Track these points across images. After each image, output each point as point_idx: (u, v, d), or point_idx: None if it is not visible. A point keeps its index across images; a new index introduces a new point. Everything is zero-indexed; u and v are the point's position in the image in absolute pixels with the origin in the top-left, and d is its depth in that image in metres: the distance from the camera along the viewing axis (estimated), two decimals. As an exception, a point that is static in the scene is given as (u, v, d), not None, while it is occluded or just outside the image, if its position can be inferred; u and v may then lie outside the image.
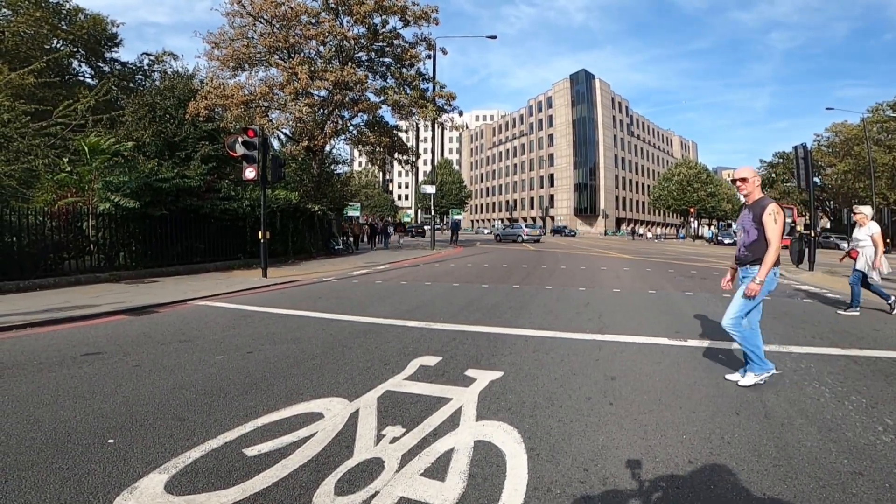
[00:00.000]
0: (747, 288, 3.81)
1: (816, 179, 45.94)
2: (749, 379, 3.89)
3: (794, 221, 38.25)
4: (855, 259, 7.88)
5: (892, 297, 7.64)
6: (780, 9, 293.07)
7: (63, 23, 24.37)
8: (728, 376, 4.07)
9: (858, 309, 7.68)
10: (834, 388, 3.83)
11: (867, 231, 7.74)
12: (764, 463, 2.60)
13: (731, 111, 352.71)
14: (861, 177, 42.22)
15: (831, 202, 53.26)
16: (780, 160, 58.61)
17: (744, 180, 4.00)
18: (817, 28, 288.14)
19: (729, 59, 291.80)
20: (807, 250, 15.21)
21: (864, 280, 7.72)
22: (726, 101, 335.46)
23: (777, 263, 3.86)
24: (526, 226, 42.78)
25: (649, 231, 76.54)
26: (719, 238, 43.89)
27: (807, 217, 27.73)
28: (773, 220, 3.78)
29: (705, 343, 5.39)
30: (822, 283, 11.39)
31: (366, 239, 26.36)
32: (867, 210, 7.97)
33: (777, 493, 2.30)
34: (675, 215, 75.64)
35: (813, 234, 15.18)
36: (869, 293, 7.79)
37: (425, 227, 39.24)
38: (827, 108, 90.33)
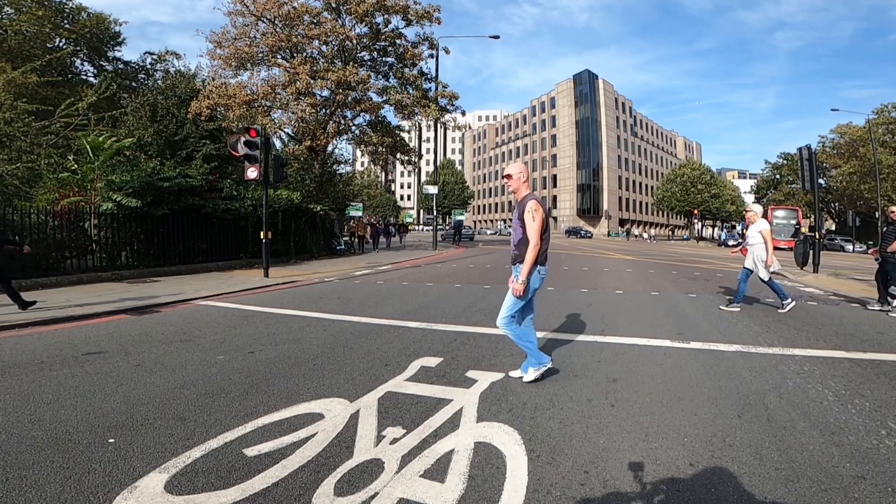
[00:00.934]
0: (513, 289, 3.77)
1: (821, 181, 45.88)
2: (531, 374, 3.91)
3: (798, 223, 38.17)
4: (745, 256, 8.12)
5: (790, 299, 7.77)
6: (785, 8, 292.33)
7: (66, 21, 24.45)
8: (512, 373, 4.06)
9: (740, 305, 7.99)
10: (837, 392, 3.81)
11: (757, 228, 7.92)
12: (766, 466, 2.58)
13: (735, 112, 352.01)
14: (866, 178, 42.06)
15: (836, 204, 53.09)
16: (785, 161, 58.44)
17: (508, 177, 3.92)
18: (823, 28, 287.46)
19: (734, 60, 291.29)
20: (811, 252, 15.15)
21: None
22: (731, 102, 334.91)
23: (543, 262, 3.82)
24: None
25: (644, 232, 76.32)
26: (723, 239, 43.74)
27: (811, 219, 27.64)
28: (532, 218, 3.66)
29: (708, 345, 5.37)
30: (827, 286, 11.34)
31: (368, 239, 25.82)
32: (757, 208, 8.21)
33: (779, 497, 2.28)
34: (678, 217, 75.46)
35: (817, 236, 15.10)
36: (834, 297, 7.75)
37: (412, 228, 38.29)
38: (832, 109, 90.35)
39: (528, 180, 3.96)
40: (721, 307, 8.06)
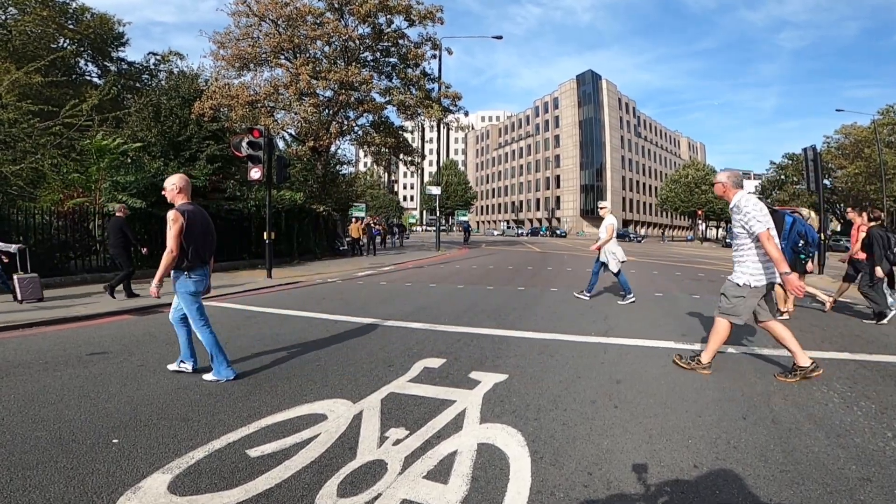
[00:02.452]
0: (150, 291, 4.07)
1: (826, 182, 45.66)
2: (211, 375, 3.99)
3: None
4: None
5: (632, 295, 8.25)
6: (788, 8, 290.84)
7: (70, 22, 24.59)
8: (206, 377, 4.04)
9: (588, 295, 8.62)
10: (843, 393, 3.79)
11: (604, 223, 8.50)
12: (771, 468, 2.57)
13: (739, 111, 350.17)
14: (872, 179, 41.82)
15: (841, 205, 52.80)
16: (790, 161, 58.19)
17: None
18: (826, 27, 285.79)
19: (737, 59, 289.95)
20: (816, 253, 15.08)
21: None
22: (734, 101, 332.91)
23: (194, 268, 4.00)
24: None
25: (633, 231, 76.11)
26: (728, 241, 43.57)
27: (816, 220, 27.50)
28: (169, 227, 3.90)
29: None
30: (832, 287, 11.28)
31: (363, 241, 22.89)
32: (607, 204, 9.01)
33: (784, 499, 2.27)
34: (682, 217, 75.27)
35: (822, 238, 15.04)
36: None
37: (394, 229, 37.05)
38: (837, 110, 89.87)
39: (181, 192, 4.10)
40: (574, 294, 8.86)
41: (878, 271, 6.93)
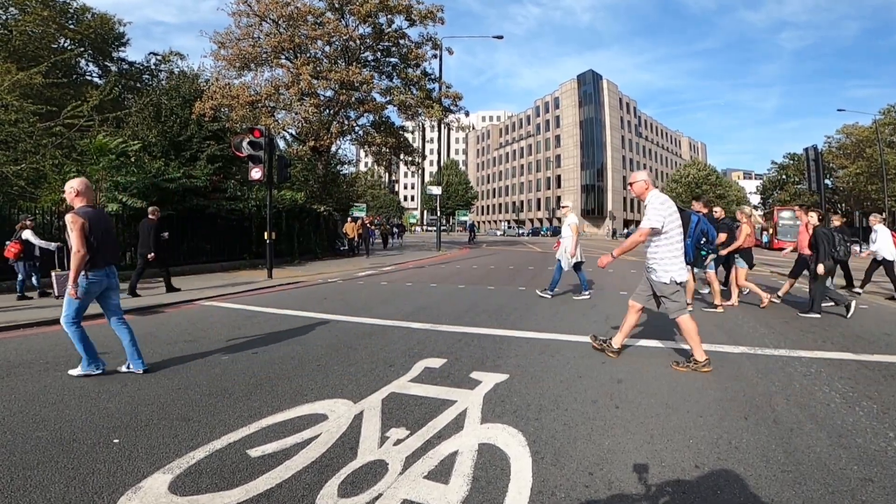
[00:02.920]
0: (67, 292, 4.05)
1: (828, 182, 45.59)
2: (78, 370, 4.09)
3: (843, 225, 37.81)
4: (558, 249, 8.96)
5: (590, 291, 8.62)
6: (788, 8, 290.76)
7: (70, 22, 24.59)
8: (72, 371, 4.13)
9: (551, 294, 8.86)
10: (844, 394, 3.78)
11: (567, 222, 8.77)
12: (772, 468, 2.56)
13: (740, 111, 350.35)
14: (873, 179, 41.77)
15: (843, 205, 52.76)
16: (791, 161, 58.14)
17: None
18: (827, 27, 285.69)
19: (737, 59, 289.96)
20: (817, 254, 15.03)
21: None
22: (735, 102, 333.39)
23: (95, 267, 4.08)
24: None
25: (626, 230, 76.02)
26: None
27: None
28: (70, 230, 3.96)
29: (713, 347, 5.32)
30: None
31: (358, 241, 22.00)
32: (569, 203, 9.25)
33: (785, 499, 2.26)
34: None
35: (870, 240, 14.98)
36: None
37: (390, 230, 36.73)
38: (839, 110, 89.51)
39: (80, 195, 4.18)
40: (537, 292, 9.13)
41: (820, 268, 7.28)
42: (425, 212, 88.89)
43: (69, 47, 24.14)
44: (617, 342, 4.75)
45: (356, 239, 21.72)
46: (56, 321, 6.36)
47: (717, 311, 7.58)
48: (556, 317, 7.06)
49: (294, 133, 21.95)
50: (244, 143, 10.89)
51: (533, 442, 2.86)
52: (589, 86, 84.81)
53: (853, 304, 7.36)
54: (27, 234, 8.64)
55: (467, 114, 24.66)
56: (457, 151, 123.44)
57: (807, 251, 7.86)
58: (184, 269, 12.34)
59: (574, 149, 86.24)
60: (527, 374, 4.21)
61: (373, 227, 25.15)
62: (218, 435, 2.90)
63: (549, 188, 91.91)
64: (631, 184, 4.61)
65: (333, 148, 22.69)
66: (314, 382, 3.94)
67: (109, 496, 2.23)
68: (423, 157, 28.47)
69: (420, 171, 28.21)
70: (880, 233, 9.59)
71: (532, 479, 2.43)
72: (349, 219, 22.25)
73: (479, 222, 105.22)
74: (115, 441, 2.81)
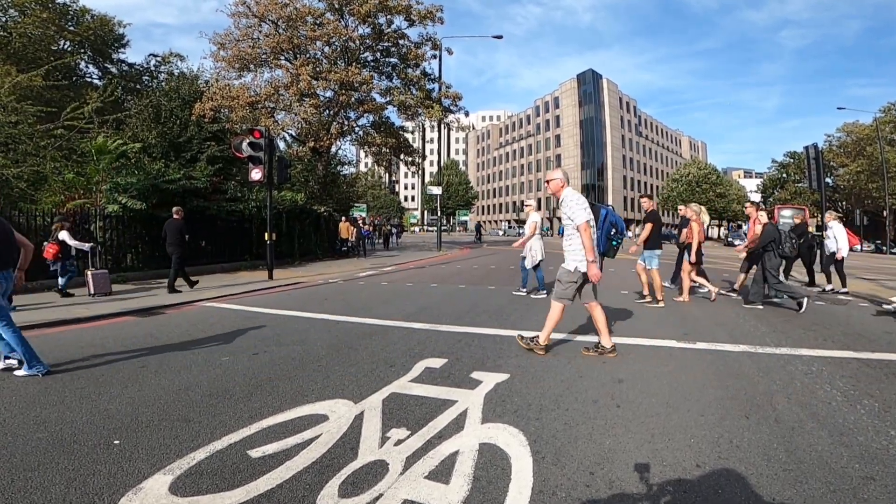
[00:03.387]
0: None
1: (828, 180, 45.54)
2: (23, 371, 4.11)
3: (805, 222, 37.87)
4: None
5: (545, 290, 8.66)
6: (790, 7, 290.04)
7: (70, 24, 24.61)
8: (17, 372, 4.13)
9: (524, 291, 9.19)
10: (846, 392, 3.77)
11: (529, 220, 9.06)
12: (774, 467, 2.55)
13: (741, 111, 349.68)
14: (874, 177, 41.76)
15: (844, 203, 52.71)
16: (792, 160, 58.12)
17: None
18: (828, 26, 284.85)
19: (739, 59, 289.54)
20: (818, 252, 15.02)
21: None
22: (736, 101, 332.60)
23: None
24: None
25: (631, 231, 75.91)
26: (729, 239, 43.22)
27: (818, 218, 27.38)
28: None
29: (714, 346, 5.33)
30: (834, 286, 11.24)
31: (351, 242, 21.38)
32: (532, 202, 9.44)
33: (787, 498, 2.26)
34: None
35: (824, 236, 14.99)
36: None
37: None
38: (839, 108, 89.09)
39: None
40: (513, 292, 9.28)
41: (742, 252, 8.72)
42: (426, 212, 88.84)
43: (69, 49, 24.17)
44: (545, 339, 4.88)
45: (350, 240, 21.22)
46: (56, 322, 6.39)
47: (658, 305, 8.06)
48: (557, 316, 7.05)
49: (294, 134, 21.96)
50: (244, 144, 10.90)
51: (534, 441, 2.86)
52: (589, 85, 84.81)
53: (806, 301, 7.59)
54: (63, 235, 8.96)
55: (467, 114, 24.66)
56: (457, 151, 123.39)
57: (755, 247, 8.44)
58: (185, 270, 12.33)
59: (574, 148, 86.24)
60: (527, 374, 4.21)
61: (367, 228, 23.76)
62: (219, 436, 2.90)
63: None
64: (548, 181, 4.89)
65: (333, 148, 22.70)
66: (315, 383, 3.94)
67: (110, 497, 2.23)
68: (424, 158, 28.49)
69: (420, 172, 28.24)
70: (836, 229, 10.08)
71: (533, 479, 2.43)
72: (342, 219, 21.34)
73: (480, 222, 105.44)
74: (116, 442, 2.81)
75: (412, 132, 29.13)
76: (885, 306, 7.92)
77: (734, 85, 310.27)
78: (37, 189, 12.17)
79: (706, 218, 9.14)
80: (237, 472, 2.48)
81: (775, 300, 8.41)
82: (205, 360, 4.65)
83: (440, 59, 23.65)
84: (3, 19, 22.61)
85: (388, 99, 22.30)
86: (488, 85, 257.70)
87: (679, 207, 9.88)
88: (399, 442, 2.84)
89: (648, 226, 8.57)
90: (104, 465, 2.52)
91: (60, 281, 8.95)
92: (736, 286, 9.64)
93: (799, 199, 51.03)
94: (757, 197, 73.51)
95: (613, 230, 4.82)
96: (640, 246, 8.57)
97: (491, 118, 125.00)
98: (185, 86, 17.48)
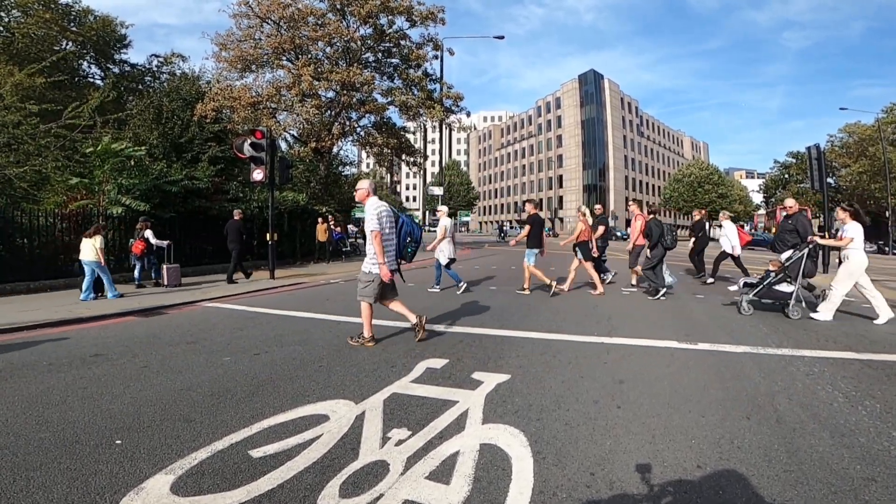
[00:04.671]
0: None
1: (830, 180, 45.40)
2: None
3: (703, 220, 37.79)
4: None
5: (464, 283, 9.66)
6: (793, 7, 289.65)
7: (73, 24, 24.67)
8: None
9: (437, 288, 9.89)
10: (847, 393, 3.77)
11: (440, 224, 9.85)
12: (775, 468, 2.55)
13: (743, 111, 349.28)
14: (876, 178, 41.64)
15: (846, 203, 52.55)
16: (794, 160, 58.01)
17: None
18: (831, 27, 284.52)
19: (741, 59, 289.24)
20: (820, 252, 14.99)
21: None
22: (739, 101, 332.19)
23: None
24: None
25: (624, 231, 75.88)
26: None
27: (820, 219, 27.36)
28: None
29: (715, 346, 5.33)
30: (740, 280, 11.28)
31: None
32: (444, 208, 10.39)
33: (788, 499, 2.26)
34: (685, 217, 75.05)
35: (827, 236, 14.96)
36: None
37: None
38: (841, 108, 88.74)
39: None
40: (429, 289, 9.85)
41: (630, 245, 9.63)
42: (427, 212, 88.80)
43: (71, 49, 24.22)
44: (368, 333, 5.28)
45: (328, 244, 17.94)
46: (59, 323, 6.41)
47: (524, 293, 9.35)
48: (558, 317, 7.06)
49: (296, 134, 22.00)
50: (246, 145, 10.91)
51: (534, 442, 2.86)
52: (590, 85, 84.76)
53: (663, 291, 8.71)
54: (148, 234, 10.26)
55: (469, 114, 24.68)
56: (458, 152, 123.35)
57: (641, 241, 9.50)
58: (185, 270, 12.35)
59: (576, 149, 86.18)
60: (528, 375, 4.21)
61: (338, 229, 20.01)
62: (220, 436, 2.91)
63: (551, 188, 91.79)
64: (356, 190, 5.32)
65: (335, 149, 22.75)
66: (316, 383, 3.94)
67: (112, 497, 2.24)
68: (425, 158, 28.44)
69: (422, 172, 28.18)
70: (727, 228, 11.05)
71: (533, 480, 2.43)
72: (319, 220, 18.07)
73: (481, 222, 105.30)
74: (118, 442, 2.81)
75: (414, 133, 29.16)
76: (729, 288, 9.47)
77: (737, 85, 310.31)
78: (39, 189, 12.19)
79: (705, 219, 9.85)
80: (238, 472, 2.48)
81: (643, 285, 9.85)
82: (206, 360, 4.66)
83: (441, 60, 23.71)
84: (6, 20, 22.68)
85: (389, 99, 22.33)
86: (490, 85, 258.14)
87: (596, 207, 11.62)
88: (400, 442, 2.84)
89: (527, 227, 9.38)
90: (106, 465, 2.53)
91: (136, 273, 10.33)
92: (633, 281, 10.52)
93: (801, 200, 50.88)
94: (759, 197, 73.39)
95: (409, 238, 5.30)
96: (518, 242, 9.95)
97: (492, 118, 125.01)
98: (186, 86, 17.52)
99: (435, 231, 12.15)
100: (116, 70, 27.23)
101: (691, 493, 2.33)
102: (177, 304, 8.14)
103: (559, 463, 2.62)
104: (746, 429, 3.08)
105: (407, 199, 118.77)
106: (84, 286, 8.52)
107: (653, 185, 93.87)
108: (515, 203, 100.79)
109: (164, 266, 10.38)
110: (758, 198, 77.04)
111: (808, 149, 14.79)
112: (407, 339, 5.56)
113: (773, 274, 7.51)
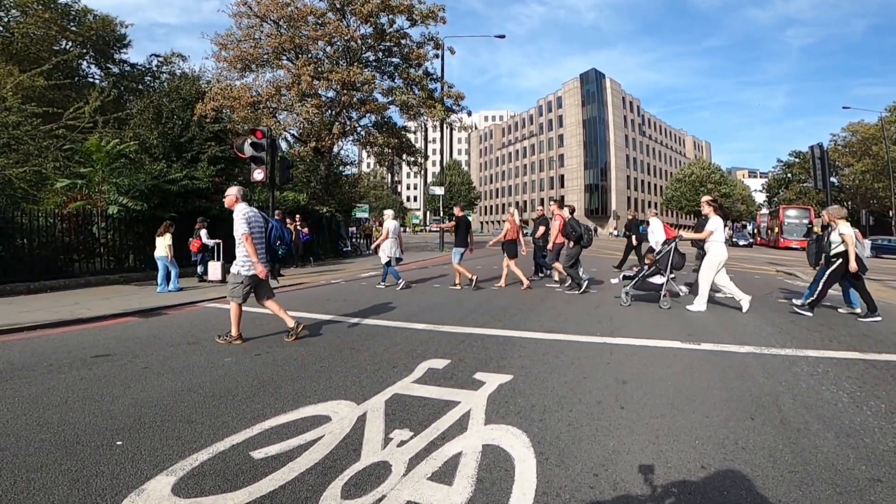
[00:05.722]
0: None
1: (834, 180, 45.38)
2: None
3: (810, 222, 37.78)
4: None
5: (402, 281, 10.29)
6: (795, 5, 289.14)
7: (72, 24, 24.66)
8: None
9: (383, 284, 10.54)
10: (852, 393, 3.75)
11: (384, 226, 10.49)
12: (779, 469, 2.53)
13: (746, 110, 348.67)
14: (880, 177, 41.59)
15: (849, 203, 52.47)
16: (797, 159, 57.94)
17: None
18: (834, 25, 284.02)
19: (743, 58, 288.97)
20: (823, 252, 14.95)
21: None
22: (741, 100, 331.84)
23: None
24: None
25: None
26: (734, 240, 42.96)
27: (822, 218, 27.28)
28: None
29: (719, 346, 5.31)
30: (839, 286, 11.18)
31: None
32: (390, 211, 11.10)
33: (793, 500, 2.24)
34: (688, 216, 74.98)
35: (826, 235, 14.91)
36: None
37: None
38: (844, 107, 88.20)
39: None
40: (376, 286, 10.47)
41: (553, 244, 9.91)
42: (428, 212, 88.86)
43: (71, 49, 24.23)
44: (235, 332, 5.40)
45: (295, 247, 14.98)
46: (58, 323, 6.40)
47: (455, 288, 10.17)
48: (560, 317, 7.04)
49: (296, 134, 21.99)
50: (246, 145, 10.91)
51: (537, 443, 2.84)
52: (592, 85, 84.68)
53: (585, 285, 9.47)
54: (203, 233, 11.33)
55: (469, 114, 24.65)
56: (459, 151, 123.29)
57: (560, 240, 9.98)
58: (186, 270, 12.33)
59: (577, 148, 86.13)
60: (531, 375, 4.19)
61: (305, 231, 16.09)
62: (221, 437, 2.89)
63: (552, 188, 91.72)
64: (224, 197, 5.55)
65: (335, 149, 22.74)
66: (317, 384, 3.93)
67: (112, 498, 2.22)
68: (426, 158, 28.47)
69: (423, 172, 28.18)
70: (653, 225, 11.33)
71: (536, 481, 2.42)
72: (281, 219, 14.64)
73: (482, 223, 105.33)
74: (119, 443, 2.80)
75: (414, 132, 29.13)
76: (612, 280, 9.88)
77: (739, 84, 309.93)
78: (39, 189, 12.20)
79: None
80: (240, 473, 2.47)
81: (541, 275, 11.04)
82: (207, 360, 4.64)
83: (442, 59, 23.70)
84: (6, 19, 22.69)
85: (390, 99, 22.32)
86: (491, 84, 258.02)
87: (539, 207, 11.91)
88: (402, 443, 2.83)
89: (453, 225, 10.66)
90: (107, 466, 2.52)
91: (199, 269, 11.46)
92: (556, 278, 11.14)
93: (804, 199, 50.89)
94: (761, 197, 73.29)
95: (279, 241, 5.64)
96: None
97: (493, 118, 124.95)
98: (186, 86, 17.50)
99: (436, 231, 12.55)
100: (116, 70, 27.24)
101: (695, 494, 2.31)
102: (177, 304, 8.13)
103: (562, 464, 2.60)
104: (750, 429, 3.06)
105: (408, 198, 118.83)
106: (159, 279, 9.73)
107: (655, 185, 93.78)
108: (516, 203, 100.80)
109: (211, 264, 11.33)
110: (760, 197, 76.92)
111: (812, 148, 14.72)
112: (408, 340, 5.55)
113: (647, 267, 8.18)
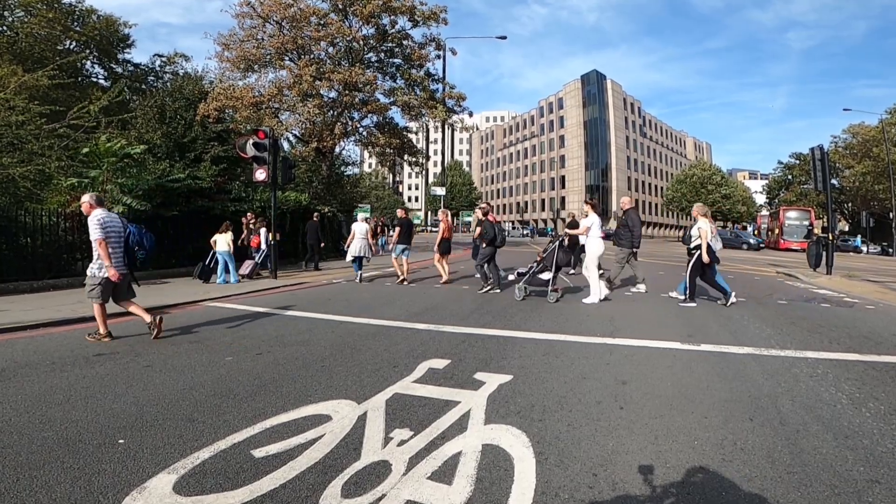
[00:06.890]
0: None
1: (834, 181, 45.33)
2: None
3: (811, 224, 37.72)
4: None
5: (359, 274, 11.51)
6: (797, 7, 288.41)
7: (76, 24, 24.71)
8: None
9: (359, 280, 11.56)
10: (851, 395, 3.75)
11: (360, 227, 11.54)
12: (778, 470, 2.54)
13: (747, 111, 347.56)
14: (880, 178, 41.54)
15: (850, 204, 52.42)
16: (797, 161, 57.88)
17: None
18: (835, 27, 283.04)
19: (745, 59, 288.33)
20: (824, 254, 14.95)
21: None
22: (742, 101, 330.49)
23: None
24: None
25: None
26: (742, 243, 42.67)
27: (824, 220, 27.27)
28: None
29: (718, 347, 5.32)
30: (840, 287, 11.20)
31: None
32: (362, 215, 12.54)
33: (791, 501, 2.25)
34: (688, 217, 74.90)
35: (831, 238, 14.92)
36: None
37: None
38: (844, 109, 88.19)
39: None
40: (356, 281, 11.46)
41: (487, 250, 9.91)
42: (429, 213, 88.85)
43: (75, 49, 24.28)
44: (103, 330, 5.53)
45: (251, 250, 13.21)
46: (62, 322, 6.42)
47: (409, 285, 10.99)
48: (560, 318, 7.05)
49: (298, 134, 22.02)
50: (248, 145, 10.93)
51: (537, 443, 2.86)
52: (593, 86, 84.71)
53: (505, 279, 10.05)
54: (262, 231, 12.42)
55: (471, 114, 24.69)
56: (461, 152, 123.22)
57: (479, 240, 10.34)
58: (189, 269, 12.37)
59: (578, 149, 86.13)
60: (531, 375, 4.20)
61: (255, 238, 13.49)
62: (222, 435, 2.91)
63: (553, 188, 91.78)
64: (80, 205, 5.70)
65: (337, 149, 22.76)
66: (318, 383, 3.95)
67: (114, 496, 2.24)
68: (427, 158, 28.46)
69: (424, 172, 28.21)
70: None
71: (536, 480, 2.43)
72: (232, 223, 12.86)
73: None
74: (121, 441, 2.82)
75: (416, 133, 29.14)
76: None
77: (740, 85, 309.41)
78: (42, 188, 12.23)
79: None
80: (241, 471, 2.49)
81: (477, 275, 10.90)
82: (209, 359, 4.66)
83: (444, 60, 23.77)
84: (10, 19, 22.75)
85: (391, 99, 22.34)
86: (492, 85, 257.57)
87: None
88: (402, 442, 2.84)
89: (398, 229, 11.54)
90: (109, 464, 2.53)
91: (259, 262, 12.31)
92: (478, 275, 11.25)
93: (804, 201, 50.84)
94: (762, 198, 73.17)
95: (137, 247, 5.76)
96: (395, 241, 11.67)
97: (495, 119, 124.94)
98: (189, 86, 17.53)
99: (436, 231, 12.82)
100: (120, 70, 27.28)
101: (694, 494, 2.32)
102: (180, 303, 8.15)
103: (561, 463, 2.62)
104: (749, 430, 3.07)
105: (409, 199, 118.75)
106: (219, 272, 10.74)
107: (655, 186, 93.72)
108: (517, 203, 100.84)
109: (247, 262, 11.94)
110: (761, 199, 76.84)
111: (812, 150, 14.72)
112: (409, 340, 5.57)
113: (536, 264, 8.75)
